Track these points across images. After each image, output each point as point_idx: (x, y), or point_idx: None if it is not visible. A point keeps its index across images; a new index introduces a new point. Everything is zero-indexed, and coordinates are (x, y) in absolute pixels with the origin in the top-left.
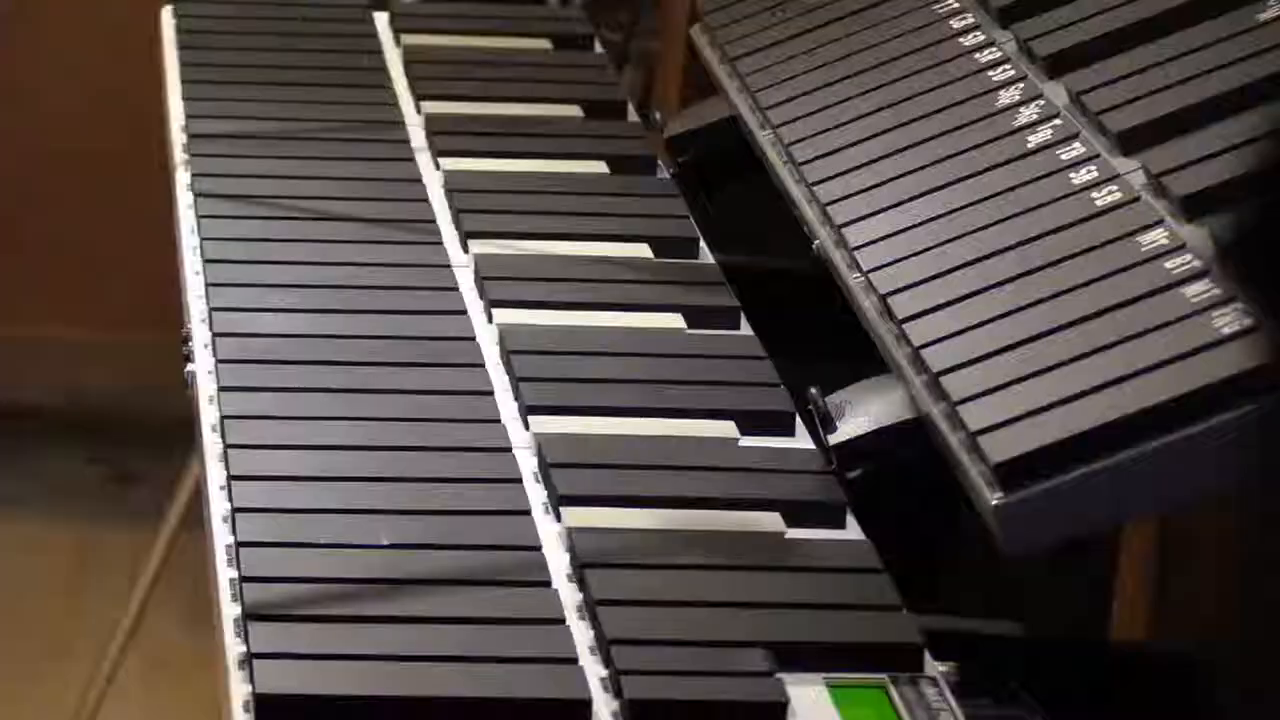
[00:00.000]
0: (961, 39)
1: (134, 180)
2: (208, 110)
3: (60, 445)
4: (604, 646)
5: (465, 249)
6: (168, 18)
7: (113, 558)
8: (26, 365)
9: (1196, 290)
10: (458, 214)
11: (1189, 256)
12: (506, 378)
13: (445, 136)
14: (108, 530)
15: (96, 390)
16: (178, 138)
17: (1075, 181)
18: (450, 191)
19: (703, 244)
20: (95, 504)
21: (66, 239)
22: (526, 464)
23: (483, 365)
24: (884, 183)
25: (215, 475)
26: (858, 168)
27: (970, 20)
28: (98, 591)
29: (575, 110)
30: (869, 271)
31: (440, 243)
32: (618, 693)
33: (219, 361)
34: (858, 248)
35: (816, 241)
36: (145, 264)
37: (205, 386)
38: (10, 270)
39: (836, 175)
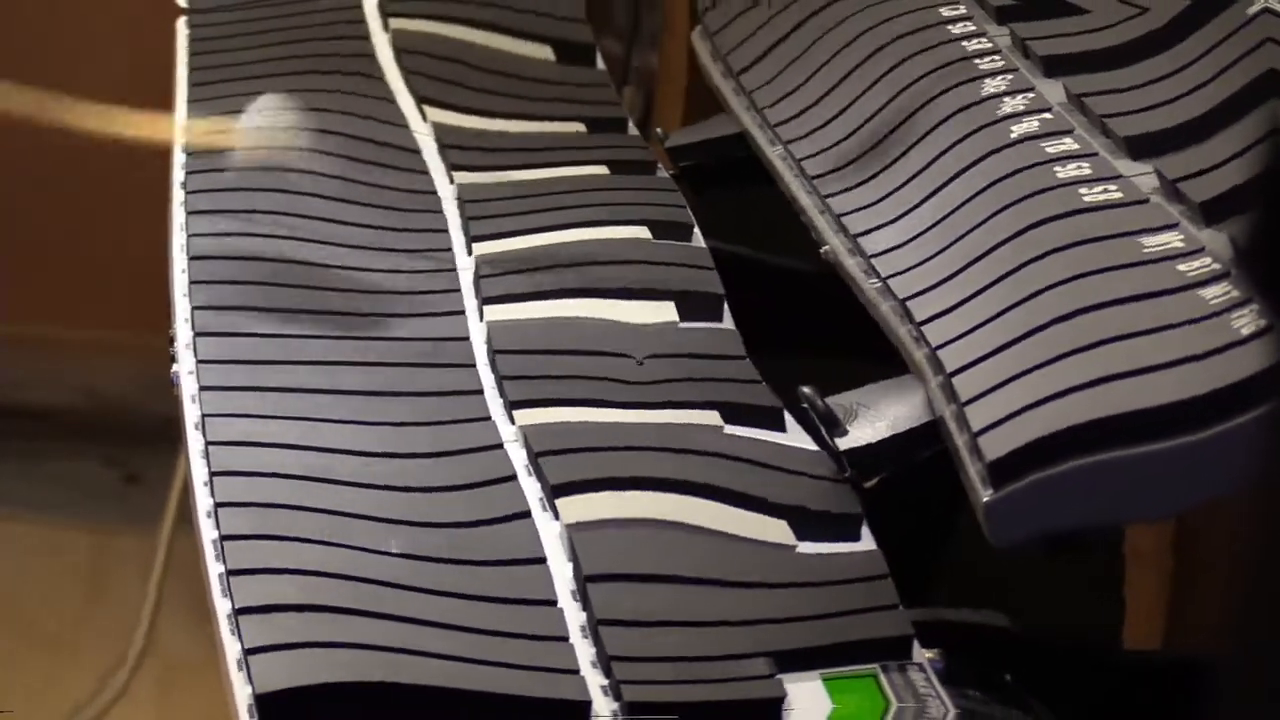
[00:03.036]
0: (965, 43)
1: (146, 180)
2: (211, 110)
3: (74, 447)
4: (603, 660)
5: (469, 251)
6: (182, 28)
7: (127, 559)
8: (39, 366)
9: (1212, 293)
10: (467, 221)
11: (1208, 259)
12: (493, 376)
13: (454, 151)
14: (122, 532)
15: (110, 391)
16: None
17: (1081, 187)
18: (462, 202)
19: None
20: (109, 505)
21: (79, 238)
22: (517, 457)
23: (473, 365)
24: (892, 190)
25: (199, 472)
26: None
27: (972, 27)
28: (113, 593)
29: (580, 127)
30: (888, 278)
31: (448, 246)
32: (617, 696)
33: (199, 362)
34: (875, 255)
35: (825, 247)
36: (157, 264)
37: (188, 386)
38: (23, 270)
39: (858, 205)
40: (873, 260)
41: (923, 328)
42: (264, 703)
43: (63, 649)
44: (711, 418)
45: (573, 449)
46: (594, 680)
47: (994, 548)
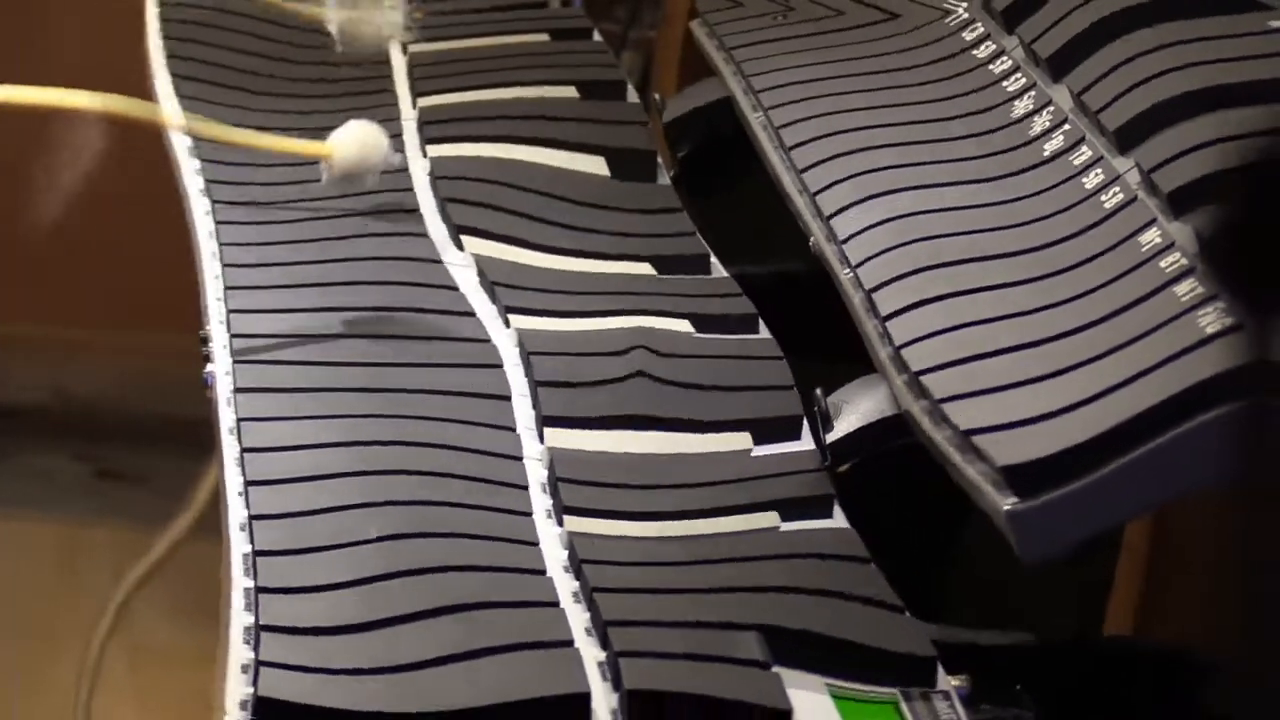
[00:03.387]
0: (963, 34)
1: (130, 178)
2: (206, 113)
3: (50, 444)
4: (600, 625)
5: (460, 247)
6: (150, 5)
7: (100, 555)
8: (16, 364)
9: (1183, 289)
10: (444, 203)
11: (1178, 255)
12: (525, 382)
13: (438, 125)
14: (97, 529)
15: (86, 389)
16: (179, 139)
17: (1101, 194)
18: (436, 179)
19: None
20: (85, 502)
21: (59, 237)
22: (534, 473)
23: (501, 366)
24: (883, 187)
25: (233, 480)
26: (855, 163)
27: (993, 47)
28: (87, 590)
29: (571, 92)
30: (857, 266)
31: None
32: (616, 680)
33: (235, 362)
34: (845, 240)
35: (813, 239)
36: (140, 263)
37: (224, 388)
38: (1, 268)
39: (837, 181)
40: (844, 246)
41: (888, 323)
42: (263, 705)
43: (38, 645)
44: (742, 440)
45: (594, 482)
46: (590, 654)
47: (991, 548)
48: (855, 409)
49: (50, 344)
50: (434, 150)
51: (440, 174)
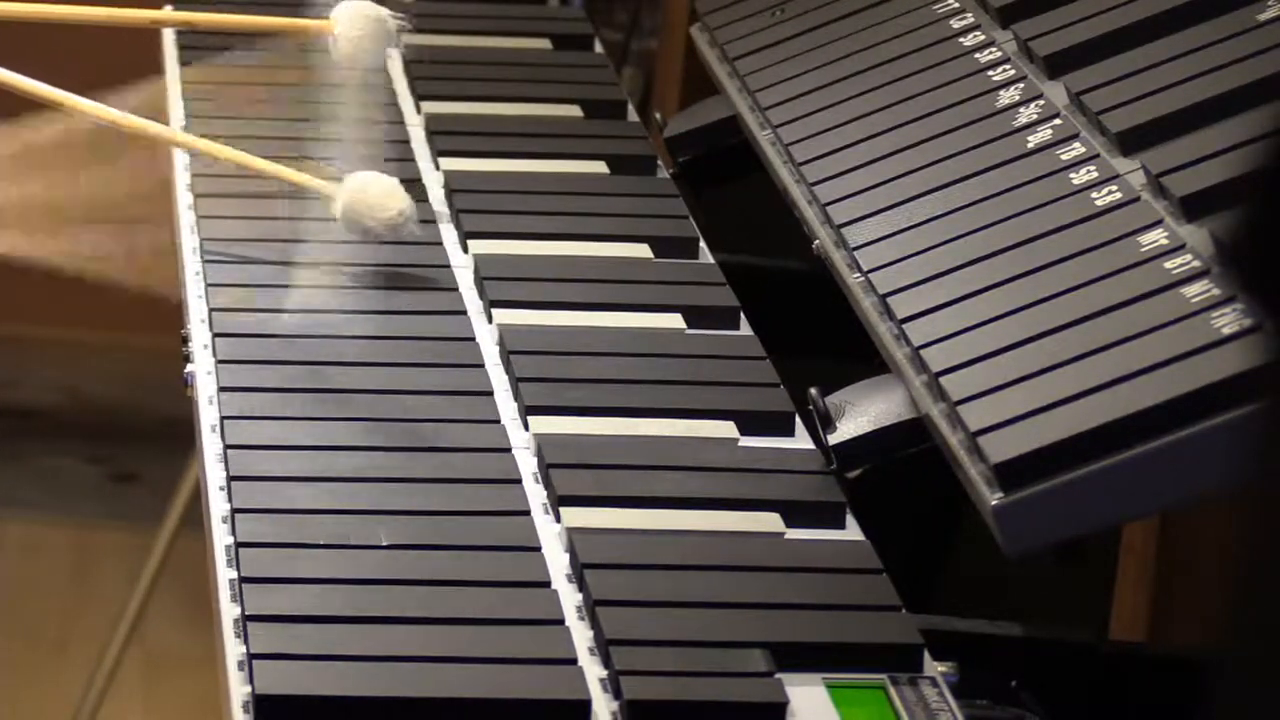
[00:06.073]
0: (961, 39)
1: (150, 177)
2: (207, 111)
3: (60, 445)
4: (603, 647)
5: (465, 249)
6: (169, 35)
7: (112, 557)
8: (26, 365)
9: (1195, 290)
10: (457, 214)
11: (1188, 257)
12: (506, 378)
13: (445, 136)
14: (107, 530)
15: (96, 390)
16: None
17: (1075, 181)
18: (450, 191)
19: (703, 244)
20: (95, 504)
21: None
22: (526, 464)
23: (482, 365)
24: (884, 182)
25: (215, 476)
26: (857, 167)
27: (970, 20)
28: (97, 591)
29: (575, 110)
30: (869, 272)
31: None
32: (617, 693)
33: (218, 362)
34: (858, 248)
35: (816, 241)
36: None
37: (204, 387)
38: (10, 269)
39: (837, 175)
40: (855, 253)
41: (904, 326)
42: (262, 704)
43: (47, 645)
44: (727, 429)
45: (584, 464)
46: (593, 673)
47: (991, 547)
48: (864, 412)
49: (64, 346)
50: (446, 163)
51: (455, 186)
